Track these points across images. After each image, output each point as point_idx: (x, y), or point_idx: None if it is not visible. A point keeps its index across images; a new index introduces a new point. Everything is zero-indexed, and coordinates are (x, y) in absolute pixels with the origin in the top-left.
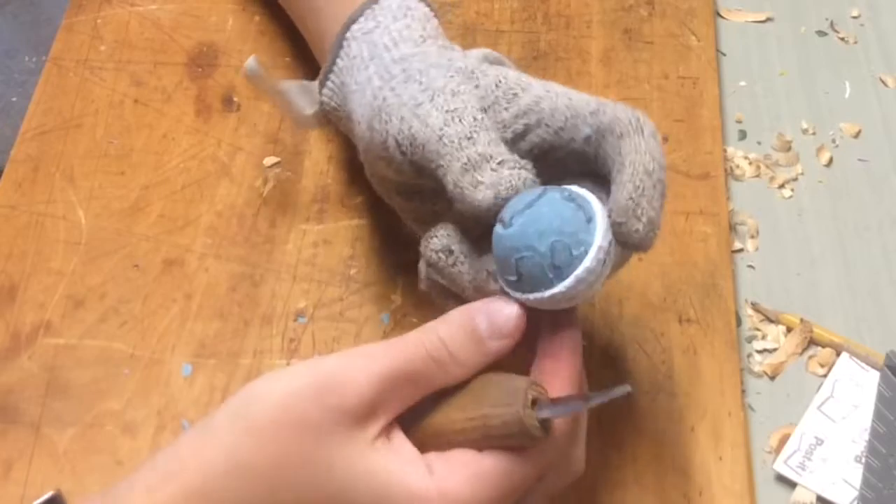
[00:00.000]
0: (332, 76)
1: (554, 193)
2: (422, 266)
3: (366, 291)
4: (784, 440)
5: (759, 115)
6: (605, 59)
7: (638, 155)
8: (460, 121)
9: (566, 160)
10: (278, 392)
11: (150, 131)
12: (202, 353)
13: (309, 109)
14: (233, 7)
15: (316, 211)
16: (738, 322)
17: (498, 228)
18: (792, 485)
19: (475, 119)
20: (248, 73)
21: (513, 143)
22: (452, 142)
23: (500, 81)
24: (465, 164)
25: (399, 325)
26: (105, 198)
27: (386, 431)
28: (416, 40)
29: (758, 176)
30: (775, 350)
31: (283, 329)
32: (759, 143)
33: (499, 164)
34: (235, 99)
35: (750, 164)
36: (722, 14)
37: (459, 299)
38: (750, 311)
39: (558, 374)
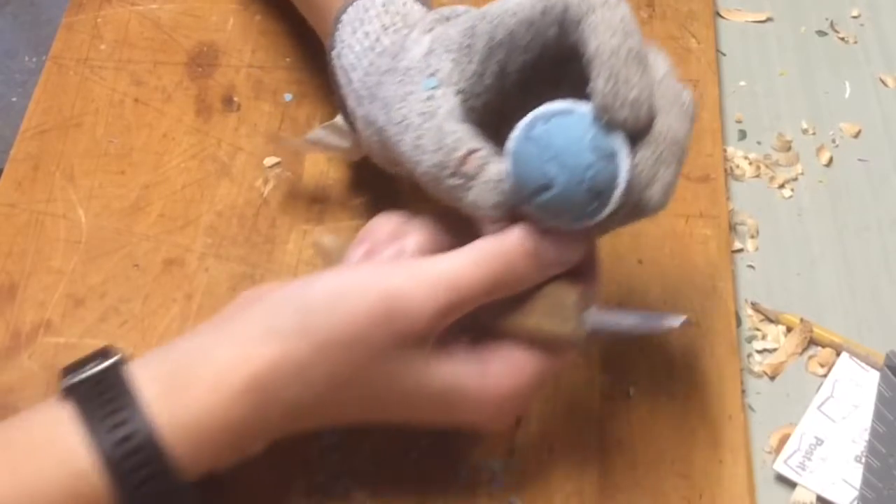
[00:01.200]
0: (343, 105)
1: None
2: None
3: None
4: (784, 440)
5: (759, 115)
6: None
7: (598, 37)
8: (409, 128)
9: (556, 66)
10: (345, 310)
11: (151, 131)
12: None
13: (346, 142)
14: (233, 7)
15: (316, 211)
16: (738, 322)
17: (543, 197)
18: (792, 485)
19: (420, 115)
20: (278, 147)
21: (500, 85)
22: (409, 150)
23: (447, 46)
24: (427, 173)
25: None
26: (105, 197)
27: (439, 347)
28: (372, 45)
29: (758, 176)
30: (775, 350)
31: None
32: (759, 143)
33: (471, 166)
34: (236, 99)
35: (750, 164)
36: (722, 14)
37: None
38: (750, 312)
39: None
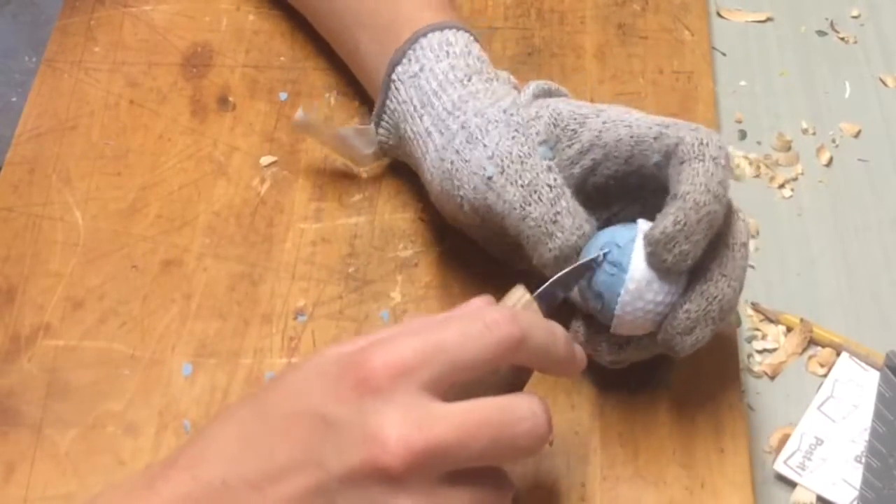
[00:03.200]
0: (385, 117)
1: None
2: None
3: (365, 289)
4: (784, 440)
5: (759, 115)
6: (599, 54)
7: (694, 185)
8: (539, 199)
9: (643, 182)
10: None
11: (146, 132)
12: (202, 352)
13: (367, 149)
14: (227, 7)
15: (314, 210)
16: (739, 322)
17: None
18: (792, 485)
19: (550, 189)
20: (297, 124)
21: (584, 178)
22: (539, 226)
23: (556, 120)
24: (558, 256)
25: (399, 321)
26: (102, 199)
27: None
28: (462, 80)
29: (758, 176)
30: (775, 350)
31: (283, 328)
32: (759, 143)
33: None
34: (231, 99)
35: (750, 164)
36: (722, 14)
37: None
38: (750, 311)
39: None
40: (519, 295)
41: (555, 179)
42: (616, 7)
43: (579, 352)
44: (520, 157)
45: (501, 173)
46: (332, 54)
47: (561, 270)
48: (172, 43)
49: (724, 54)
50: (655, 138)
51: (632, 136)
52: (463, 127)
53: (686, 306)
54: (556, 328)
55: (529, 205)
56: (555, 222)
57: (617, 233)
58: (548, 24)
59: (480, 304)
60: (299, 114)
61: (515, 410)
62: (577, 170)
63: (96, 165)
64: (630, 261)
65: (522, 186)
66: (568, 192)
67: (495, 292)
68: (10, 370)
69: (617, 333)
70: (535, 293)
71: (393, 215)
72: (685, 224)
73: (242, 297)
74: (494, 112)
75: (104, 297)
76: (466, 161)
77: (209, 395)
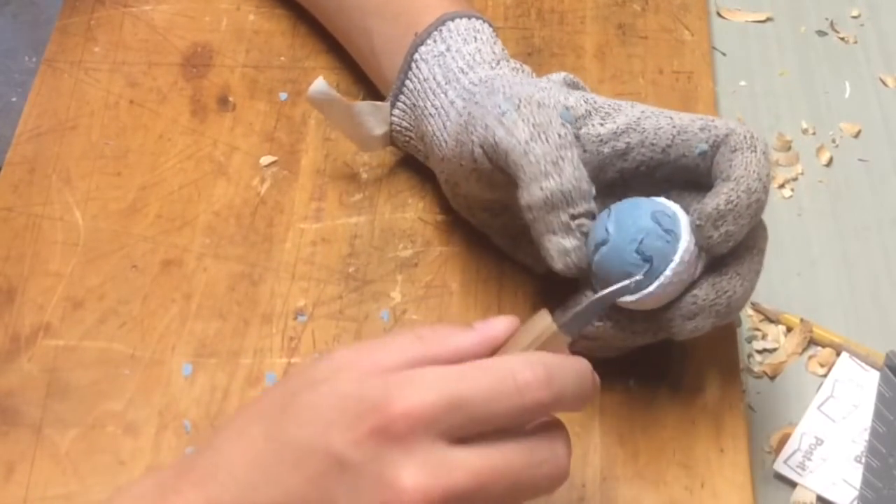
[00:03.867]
0: (402, 97)
1: (616, 207)
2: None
3: (365, 289)
4: (784, 440)
5: (759, 115)
6: (599, 54)
7: (747, 171)
8: (546, 139)
9: (672, 174)
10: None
11: (146, 132)
12: (202, 352)
13: (378, 130)
14: (227, 7)
15: (314, 209)
16: (739, 322)
17: (601, 251)
18: (792, 485)
19: (560, 137)
20: (314, 95)
21: (611, 161)
22: (538, 162)
23: (587, 100)
24: (548, 198)
25: (399, 321)
26: (102, 199)
27: None
28: (490, 63)
29: None
30: (775, 350)
31: (283, 328)
32: None
33: (574, 220)
34: (231, 99)
35: None
36: (722, 14)
37: (622, 348)
38: (750, 311)
39: None
40: (544, 326)
41: (566, 134)
42: (616, 7)
43: (596, 378)
44: (538, 102)
45: (516, 109)
46: (333, 54)
47: (546, 217)
48: (172, 43)
49: (724, 54)
50: (701, 129)
51: (674, 126)
52: (487, 87)
53: (695, 292)
54: (583, 367)
55: (534, 141)
56: (555, 164)
57: (647, 205)
58: (548, 24)
59: (512, 359)
60: (319, 83)
61: (537, 453)
62: (607, 149)
63: (96, 165)
64: (682, 230)
65: (533, 125)
66: (577, 151)
67: (495, 293)
68: (10, 370)
69: (638, 305)
70: (563, 323)
71: (393, 215)
72: (736, 205)
73: (242, 297)
74: (520, 78)
75: (104, 297)
76: (483, 106)
77: (209, 395)
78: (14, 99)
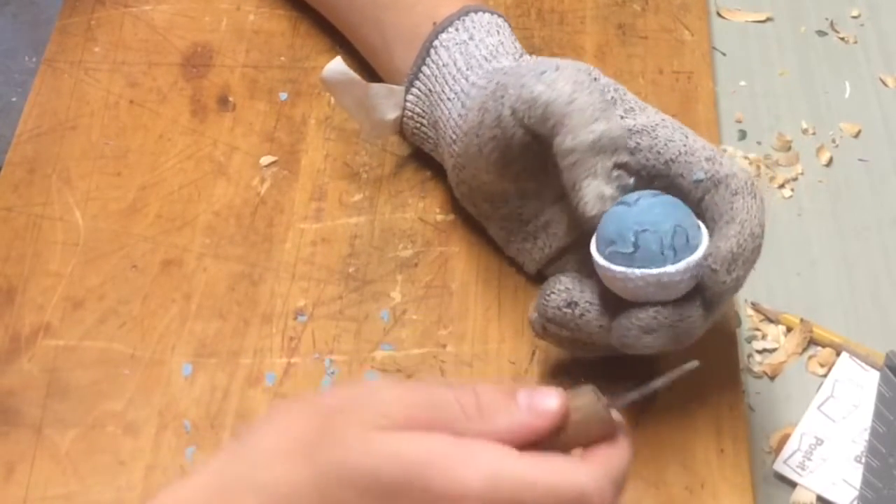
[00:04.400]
0: (417, 83)
1: (669, 196)
2: (536, 319)
3: (365, 289)
4: (784, 440)
5: (759, 115)
6: (599, 54)
7: (749, 216)
8: (590, 93)
9: (667, 189)
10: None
11: (146, 132)
12: (202, 352)
13: (391, 114)
14: (227, 7)
15: (314, 209)
16: (739, 322)
17: (618, 208)
18: (792, 485)
19: (601, 94)
20: (330, 75)
21: (623, 153)
22: (583, 109)
23: (616, 88)
24: (597, 140)
25: (399, 321)
26: (102, 199)
27: None
28: (513, 55)
29: (758, 176)
30: (775, 350)
31: (283, 328)
32: (759, 143)
33: (616, 169)
34: (231, 99)
35: (750, 164)
36: (722, 14)
37: (588, 346)
38: (750, 311)
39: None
40: (591, 403)
41: (608, 100)
42: (616, 7)
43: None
44: (577, 68)
45: (556, 69)
46: (334, 54)
47: (590, 160)
48: (172, 43)
49: (724, 54)
50: (707, 159)
51: (685, 144)
52: (517, 67)
53: (659, 308)
54: (627, 448)
55: (578, 93)
56: (604, 111)
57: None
58: (548, 24)
59: (581, 476)
60: (336, 62)
61: None
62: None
63: (96, 165)
64: (703, 243)
65: (574, 83)
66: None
67: (495, 293)
68: (10, 370)
69: (625, 280)
70: (614, 403)
71: (393, 215)
72: (744, 249)
73: (242, 297)
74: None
75: (104, 297)
76: (517, 71)
77: (209, 395)
78: (14, 99)
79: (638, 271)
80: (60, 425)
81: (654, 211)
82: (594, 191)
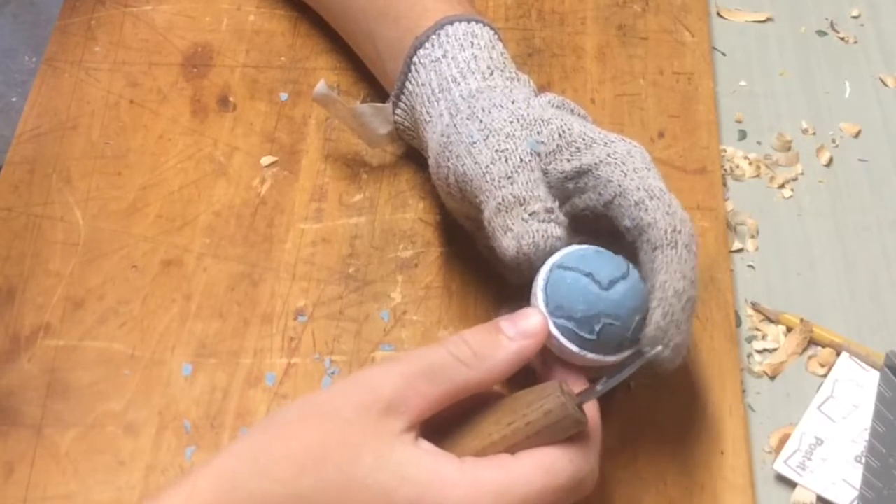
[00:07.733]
0: (403, 98)
1: (634, 271)
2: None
3: (365, 290)
4: (784, 440)
5: (759, 115)
6: (599, 55)
7: (668, 275)
8: (506, 161)
9: (615, 231)
10: (304, 396)
11: (147, 132)
12: (202, 352)
13: (382, 129)
14: (227, 7)
15: (314, 210)
16: (739, 322)
17: (591, 286)
18: (792, 485)
19: (521, 161)
20: (318, 97)
21: (569, 195)
22: (494, 179)
23: (563, 132)
24: (500, 203)
25: (399, 322)
26: (102, 199)
27: (412, 432)
28: (483, 72)
29: (758, 176)
30: (775, 350)
31: (283, 328)
32: (759, 143)
33: (530, 214)
34: (231, 99)
35: (750, 164)
36: (722, 14)
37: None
38: (750, 311)
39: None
40: (559, 407)
41: (529, 161)
42: (616, 8)
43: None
44: (507, 134)
45: (484, 140)
46: (334, 54)
47: (502, 219)
48: (173, 43)
49: (724, 54)
50: (636, 203)
51: (620, 185)
52: (470, 108)
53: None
54: (598, 431)
55: (494, 164)
56: (509, 177)
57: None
58: (548, 24)
59: (583, 468)
60: (320, 86)
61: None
62: (570, 185)
63: (96, 165)
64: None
65: (496, 151)
66: (539, 175)
67: (495, 293)
68: (10, 370)
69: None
70: (583, 398)
71: (393, 215)
72: (672, 314)
73: (242, 297)
74: (504, 100)
75: (104, 297)
76: (459, 133)
77: (209, 395)
78: (14, 99)
79: (591, 355)
80: (60, 425)
81: (625, 304)
82: (510, 237)
